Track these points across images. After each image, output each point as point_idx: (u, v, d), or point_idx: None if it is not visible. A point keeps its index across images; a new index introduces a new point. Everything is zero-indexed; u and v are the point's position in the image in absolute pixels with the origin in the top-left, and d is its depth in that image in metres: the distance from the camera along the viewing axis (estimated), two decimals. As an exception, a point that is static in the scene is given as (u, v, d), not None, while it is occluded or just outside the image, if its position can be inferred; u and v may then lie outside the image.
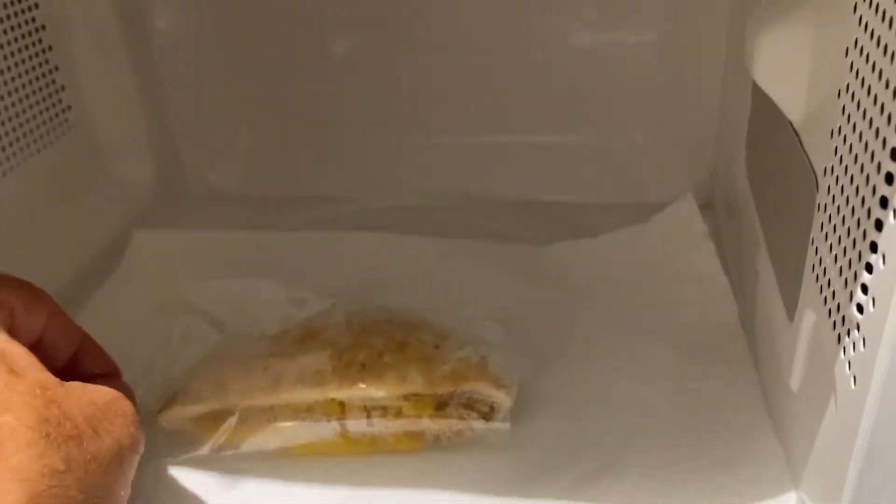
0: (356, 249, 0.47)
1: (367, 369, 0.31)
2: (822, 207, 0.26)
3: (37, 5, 0.45)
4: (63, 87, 0.48)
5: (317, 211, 0.54)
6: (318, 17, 0.51)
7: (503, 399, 0.32)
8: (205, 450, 0.32)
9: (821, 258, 0.26)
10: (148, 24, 0.51)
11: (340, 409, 0.32)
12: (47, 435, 0.23)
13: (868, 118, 0.22)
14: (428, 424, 0.32)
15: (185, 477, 0.31)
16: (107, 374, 0.31)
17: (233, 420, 0.32)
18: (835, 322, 0.24)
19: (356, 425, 0.32)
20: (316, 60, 0.52)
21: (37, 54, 0.45)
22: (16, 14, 0.43)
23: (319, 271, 0.44)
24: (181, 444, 0.32)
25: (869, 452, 0.22)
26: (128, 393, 0.29)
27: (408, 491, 0.30)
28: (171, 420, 0.33)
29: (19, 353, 0.25)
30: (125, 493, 0.26)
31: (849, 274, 0.23)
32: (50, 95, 0.47)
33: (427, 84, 0.52)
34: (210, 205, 0.55)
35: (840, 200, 0.24)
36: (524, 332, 0.39)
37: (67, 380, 0.28)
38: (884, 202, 0.20)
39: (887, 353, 0.20)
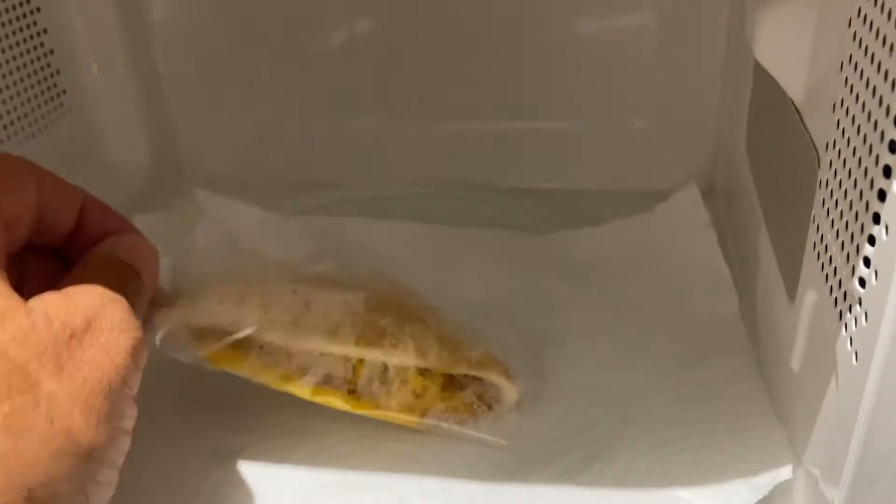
0: (354, 236, 0.46)
1: (388, 336, 0.31)
2: (823, 183, 0.26)
3: (32, -13, 0.44)
4: (58, 71, 0.47)
5: (313, 198, 0.53)
6: (324, 4, 0.50)
7: (512, 393, 0.32)
8: (194, 355, 0.30)
9: (822, 235, 0.26)
10: (144, 6, 0.51)
11: (354, 366, 0.31)
12: None
13: (871, 87, 0.21)
14: (431, 401, 0.31)
15: (171, 457, 0.31)
16: (118, 231, 0.28)
17: (245, 332, 0.30)
18: (836, 299, 0.24)
19: (365, 383, 0.31)
20: (317, 44, 0.52)
21: (31, 37, 0.45)
22: (10, -5, 0.43)
23: (316, 258, 0.44)
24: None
25: (870, 429, 0.21)
26: (142, 250, 0.27)
27: (398, 476, 0.30)
28: (169, 321, 0.30)
29: None
30: (128, 417, 0.23)
31: (851, 248, 0.23)
32: (45, 79, 0.46)
33: (426, 70, 0.52)
34: (206, 189, 0.54)
35: (842, 174, 0.24)
36: (523, 319, 0.38)
37: (80, 245, 0.26)
38: (887, 171, 0.20)
39: (890, 326, 0.20)
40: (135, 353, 0.23)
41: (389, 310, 0.32)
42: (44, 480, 0.20)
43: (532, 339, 0.37)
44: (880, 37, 0.21)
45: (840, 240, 0.24)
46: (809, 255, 0.27)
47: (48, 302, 0.22)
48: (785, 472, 0.28)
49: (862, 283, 0.21)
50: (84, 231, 0.28)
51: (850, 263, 0.22)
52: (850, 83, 0.23)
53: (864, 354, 0.21)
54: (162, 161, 0.54)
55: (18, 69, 0.44)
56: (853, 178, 0.22)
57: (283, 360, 0.31)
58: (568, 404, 0.33)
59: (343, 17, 0.51)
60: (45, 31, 0.46)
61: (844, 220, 0.23)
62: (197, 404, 0.34)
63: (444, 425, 0.31)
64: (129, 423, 0.23)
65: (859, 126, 0.22)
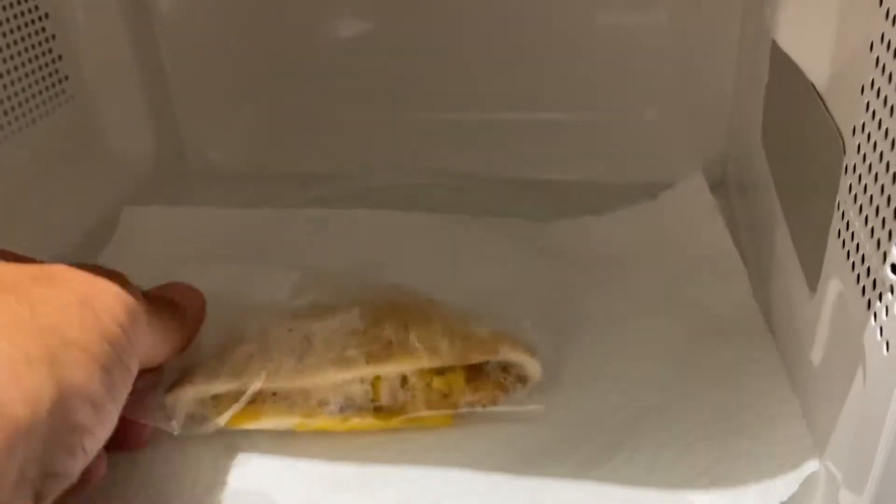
0: (357, 227, 0.45)
1: (395, 345, 0.30)
2: (850, 169, 0.25)
3: (33, -30, 0.44)
4: (60, 57, 0.46)
5: (317, 188, 0.52)
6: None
7: (534, 367, 0.31)
8: (213, 426, 0.30)
9: (848, 222, 0.25)
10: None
11: (372, 384, 0.30)
12: None
13: (906, 65, 0.20)
14: (460, 396, 0.31)
15: (183, 452, 0.30)
16: None
17: (254, 387, 0.30)
18: (864, 287, 0.23)
19: (389, 396, 0.31)
20: (318, 35, 0.51)
21: (33, 21, 0.44)
22: (11, -22, 0.42)
23: (319, 250, 0.43)
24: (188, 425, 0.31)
25: (902, 422, 0.21)
26: (185, 289, 0.29)
27: (419, 467, 0.29)
28: (180, 402, 0.30)
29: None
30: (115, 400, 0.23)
31: (882, 234, 0.22)
32: (46, 65, 0.45)
33: (430, 59, 0.51)
34: (209, 181, 0.54)
35: (872, 157, 0.23)
36: (533, 307, 0.38)
37: None
38: (924, 152, 0.19)
39: (925, 313, 0.19)
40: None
41: (388, 317, 0.32)
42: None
43: (544, 327, 0.36)
44: (917, 12, 0.20)
45: (869, 226, 0.23)
46: (833, 244, 0.26)
47: None
48: (811, 465, 0.27)
49: (895, 269, 0.21)
50: None
51: (882, 249, 0.21)
52: (881, 63, 0.22)
53: (897, 344, 0.20)
54: (164, 151, 0.53)
55: (20, 54, 0.43)
56: (885, 160, 0.22)
57: (301, 399, 0.31)
58: (587, 391, 0.33)
59: (346, 8, 0.50)
60: (46, 15, 0.45)
61: (875, 204, 0.22)
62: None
63: (480, 409, 0.31)
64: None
65: (892, 106, 0.21)
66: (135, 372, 0.24)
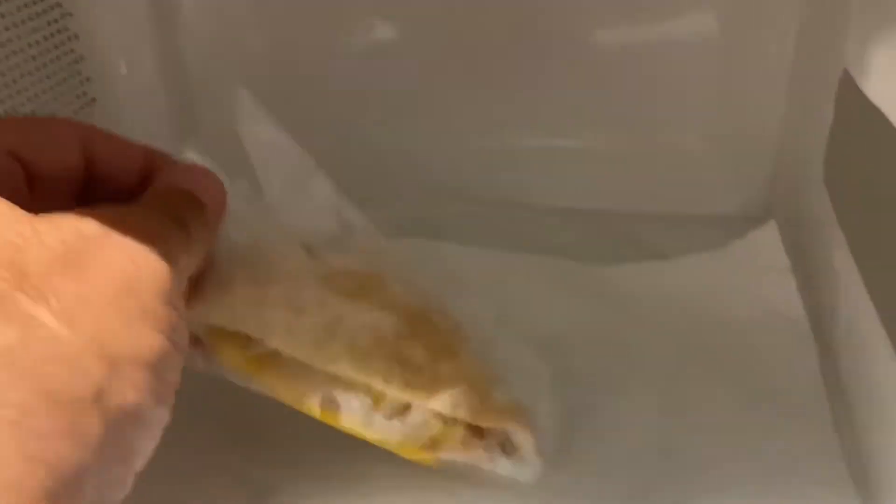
0: (391, 260, 0.43)
1: (419, 373, 0.28)
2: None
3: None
4: (88, 79, 0.45)
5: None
6: (362, 4, 0.48)
7: (529, 443, 0.29)
8: (199, 362, 0.28)
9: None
10: (176, 16, 0.48)
11: (374, 400, 0.28)
12: None
13: None
14: (453, 447, 0.29)
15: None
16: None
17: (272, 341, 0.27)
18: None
19: (384, 421, 0.28)
20: (358, 52, 0.49)
21: (62, 43, 0.42)
22: (41, -1, 0.40)
23: None
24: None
25: None
26: (202, 174, 0.25)
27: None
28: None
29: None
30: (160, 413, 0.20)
31: None
32: (75, 87, 0.44)
33: (474, 84, 0.49)
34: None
35: None
36: (580, 358, 0.36)
37: None
38: None
39: None
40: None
41: (422, 338, 0.30)
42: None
43: (585, 382, 0.35)
44: None
45: None
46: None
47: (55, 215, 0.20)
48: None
49: None
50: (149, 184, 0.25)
51: None
52: None
53: None
54: None
55: (49, 77, 0.41)
56: None
57: (302, 374, 0.28)
58: (623, 465, 0.31)
59: (379, 29, 0.48)
60: (76, 36, 0.43)
61: None
62: (222, 429, 0.32)
63: (461, 461, 0.29)
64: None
65: None
66: (186, 345, 0.21)
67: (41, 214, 0.19)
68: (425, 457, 0.29)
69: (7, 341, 0.17)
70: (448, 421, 0.28)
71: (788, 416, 0.32)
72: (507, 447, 0.29)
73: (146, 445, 0.19)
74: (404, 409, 0.28)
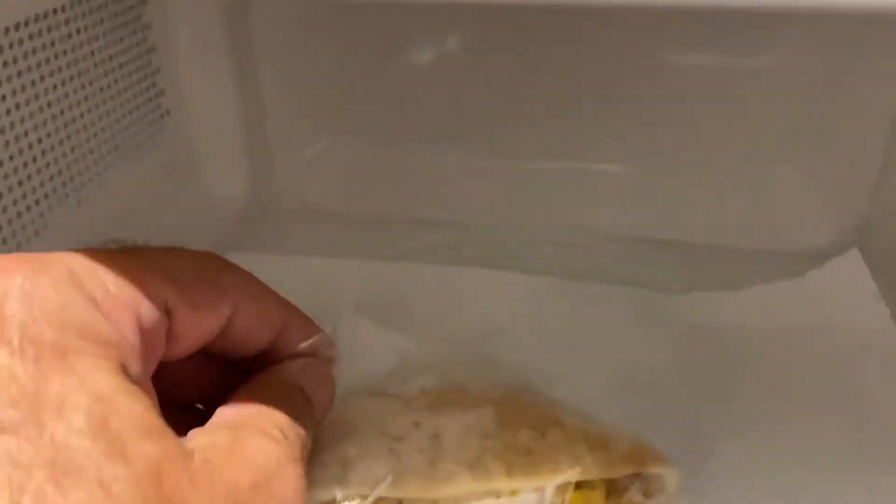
0: (465, 287, 0.42)
1: (535, 454, 0.27)
2: None
3: (145, 1, 0.41)
4: (163, 92, 0.44)
5: (418, 236, 0.49)
6: (433, 26, 0.47)
7: (674, 479, 0.28)
8: None
9: None
10: (251, 29, 0.48)
11: (506, 500, 0.27)
12: None
13: None
14: None
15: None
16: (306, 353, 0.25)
17: (379, 491, 0.26)
18: None
19: None
20: (428, 72, 0.48)
21: (140, 55, 0.42)
22: (123, 12, 0.40)
23: (421, 310, 0.40)
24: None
25: None
26: (324, 382, 0.24)
27: None
28: None
29: (135, 415, 0.16)
30: None
31: None
32: (150, 100, 0.43)
33: (545, 105, 0.48)
34: (304, 222, 0.51)
35: None
36: (669, 397, 0.34)
37: (261, 363, 0.22)
38: None
39: None
40: None
41: (521, 420, 0.28)
42: None
43: (683, 423, 0.33)
44: None
45: None
46: None
47: (213, 450, 0.18)
48: None
49: None
50: (275, 352, 0.24)
51: None
52: None
53: None
54: (258, 192, 0.51)
55: (126, 89, 0.41)
56: None
57: None
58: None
59: (452, 47, 0.47)
60: (154, 48, 0.43)
61: None
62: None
63: None
64: None
65: None
66: None
67: (193, 443, 0.18)
68: None
69: None
70: (582, 486, 0.27)
71: None
72: (650, 496, 0.28)
73: None
74: (539, 499, 0.27)
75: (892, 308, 0.38)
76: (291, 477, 0.19)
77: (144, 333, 0.18)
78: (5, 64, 0.31)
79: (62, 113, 0.35)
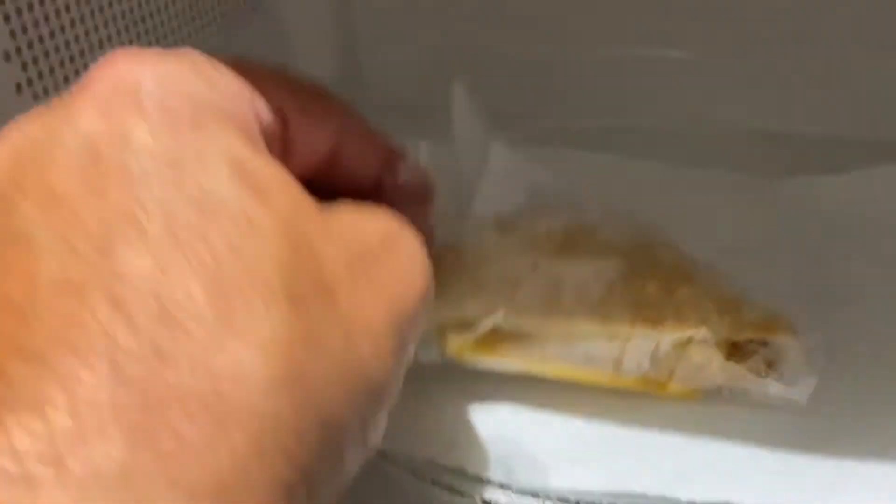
0: (582, 169, 0.40)
1: (661, 305, 0.27)
2: None
3: None
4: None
5: (520, 129, 0.45)
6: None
7: (800, 352, 0.27)
8: (435, 355, 0.27)
9: None
10: None
11: (621, 343, 0.27)
12: (291, 297, 0.15)
13: None
14: (715, 374, 0.27)
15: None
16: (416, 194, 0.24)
17: (491, 321, 0.27)
18: None
19: (633, 363, 0.27)
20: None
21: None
22: None
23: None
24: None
25: None
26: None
27: (686, 438, 0.26)
28: None
29: (271, 173, 0.16)
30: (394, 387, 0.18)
31: None
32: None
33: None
34: (388, 111, 0.45)
35: None
36: (790, 273, 0.33)
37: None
38: None
39: None
40: (426, 291, 0.19)
41: (650, 272, 0.28)
42: (336, 412, 0.15)
43: (808, 295, 0.32)
44: None
45: None
46: None
47: (343, 210, 0.18)
48: None
49: None
50: (382, 193, 0.23)
51: None
52: None
53: None
54: (344, 79, 0.47)
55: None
56: None
57: (537, 347, 0.28)
58: (870, 369, 0.28)
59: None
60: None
61: None
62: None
63: (729, 392, 0.27)
64: (403, 370, 0.19)
65: None
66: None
67: (324, 218, 0.17)
68: (690, 394, 0.27)
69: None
70: (703, 349, 0.27)
71: None
72: (774, 367, 0.27)
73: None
74: (654, 347, 0.27)
75: None
76: (416, 242, 0.19)
77: (263, 131, 0.18)
78: None
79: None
